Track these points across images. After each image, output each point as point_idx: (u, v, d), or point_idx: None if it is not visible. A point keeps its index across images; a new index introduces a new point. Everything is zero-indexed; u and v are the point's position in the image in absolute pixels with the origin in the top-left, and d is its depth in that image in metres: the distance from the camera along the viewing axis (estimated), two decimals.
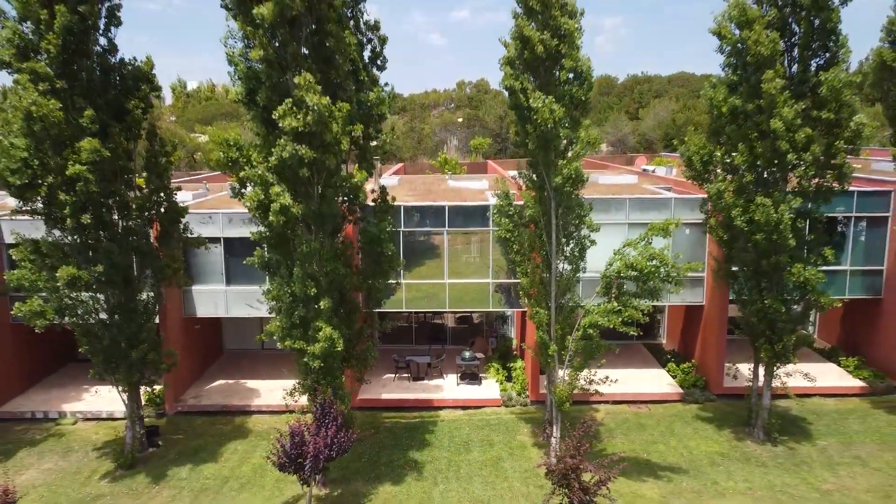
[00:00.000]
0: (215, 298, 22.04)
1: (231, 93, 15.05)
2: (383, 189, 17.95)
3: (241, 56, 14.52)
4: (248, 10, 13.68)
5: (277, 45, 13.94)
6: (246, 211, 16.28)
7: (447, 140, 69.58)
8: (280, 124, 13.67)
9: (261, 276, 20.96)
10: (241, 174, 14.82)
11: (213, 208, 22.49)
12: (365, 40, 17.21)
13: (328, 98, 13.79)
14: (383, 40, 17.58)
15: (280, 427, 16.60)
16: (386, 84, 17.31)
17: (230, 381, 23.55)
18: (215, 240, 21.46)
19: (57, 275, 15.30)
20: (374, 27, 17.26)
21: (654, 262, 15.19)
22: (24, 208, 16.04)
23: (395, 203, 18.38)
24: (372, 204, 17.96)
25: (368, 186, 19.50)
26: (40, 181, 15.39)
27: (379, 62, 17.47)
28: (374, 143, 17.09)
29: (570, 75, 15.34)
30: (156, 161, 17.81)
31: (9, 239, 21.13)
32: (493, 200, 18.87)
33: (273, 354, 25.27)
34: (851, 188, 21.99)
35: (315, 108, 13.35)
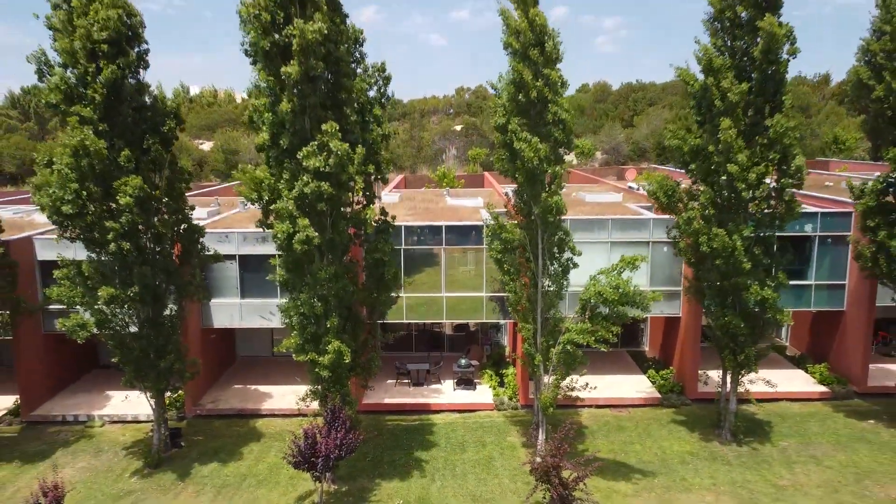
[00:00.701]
0: (231, 310, 23.95)
1: (257, 139, 16.85)
2: (384, 211, 19.80)
3: (266, 106, 16.36)
4: (277, 67, 15.56)
5: (298, 96, 15.78)
6: (258, 230, 18.24)
7: (446, 149, 71.40)
8: (304, 163, 15.56)
9: (272, 290, 22.92)
10: (272, 207, 16.64)
11: (227, 227, 24.46)
12: (371, 81, 19.11)
13: (347, 144, 15.72)
14: (388, 80, 19.51)
15: (292, 429, 18.54)
16: (390, 120, 19.15)
17: (244, 387, 25.47)
18: (231, 256, 23.36)
19: (98, 294, 17.21)
20: (381, 69, 19.17)
21: (621, 290, 16.96)
22: (66, 235, 17.94)
23: (397, 223, 20.32)
24: (375, 224, 19.82)
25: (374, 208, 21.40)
26: (86, 211, 17.28)
27: (383, 101, 19.38)
28: (379, 177, 18.95)
29: (556, 118, 17.14)
30: (176, 187, 19.69)
31: (41, 256, 23.13)
32: (486, 214, 20.57)
33: (282, 361, 27.15)
34: (815, 209, 24.06)
35: (338, 152, 15.25)
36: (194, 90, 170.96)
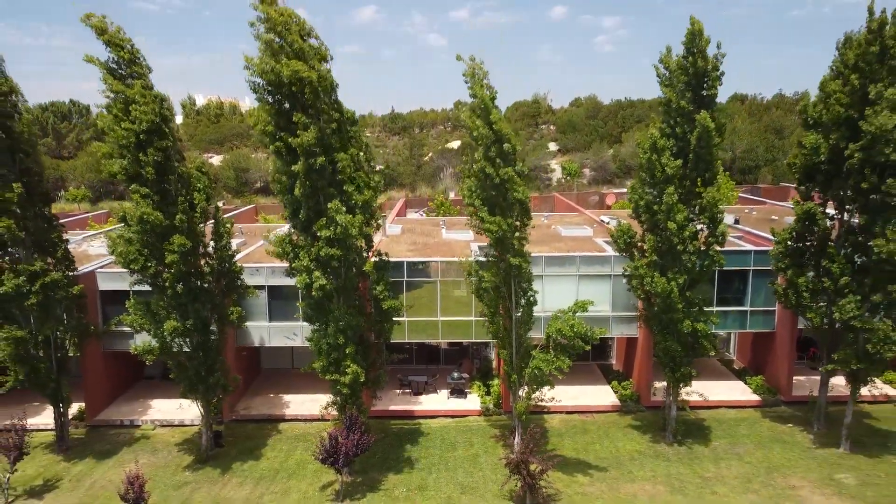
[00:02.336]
0: (260, 332, 28.58)
1: (284, 212, 21.46)
2: (379, 253, 24.21)
3: (285, 188, 20.93)
4: (288, 165, 20.09)
5: (307, 184, 20.26)
6: (283, 264, 22.78)
7: (444, 167, 75.93)
8: (318, 234, 20.16)
9: (294, 315, 27.49)
10: (294, 264, 21.24)
11: (257, 261, 29.07)
12: (363, 151, 23.27)
13: (350, 215, 20.28)
14: (371, 153, 23.78)
15: (312, 432, 23.07)
16: (379, 182, 23.34)
17: (270, 395, 30.06)
18: (261, 287, 27.97)
19: (164, 326, 21.82)
20: (367, 144, 23.45)
21: (575, 329, 21.35)
22: (136, 281, 22.55)
23: (399, 259, 24.84)
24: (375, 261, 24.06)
25: (376, 238, 25.93)
26: (148, 265, 21.84)
27: (372, 164, 23.65)
28: (378, 224, 23.48)
29: (515, 199, 21.28)
30: (220, 234, 24.20)
31: (102, 287, 27.72)
32: (475, 248, 24.69)
33: (300, 373, 31.68)
34: (750, 248, 28.72)
35: (342, 224, 19.84)
36: (199, 99, 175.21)
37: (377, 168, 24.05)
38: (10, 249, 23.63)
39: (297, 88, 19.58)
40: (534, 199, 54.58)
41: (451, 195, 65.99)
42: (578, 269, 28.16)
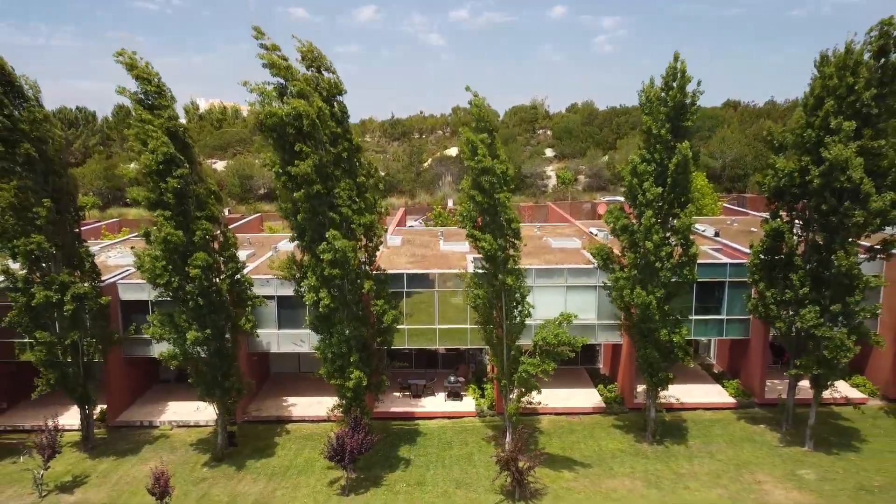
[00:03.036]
0: (270, 338, 30.64)
1: (290, 237, 23.61)
2: (379, 268, 26.34)
3: (289, 212, 23.05)
4: (291, 192, 22.21)
5: (309, 210, 22.39)
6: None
7: (442, 174, 77.96)
8: (321, 256, 22.24)
9: (301, 323, 29.52)
10: (303, 283, 23.35)
11: (266, 273, 31.11)
12: (368, 178, 25.33)
13: (347, 240, 22.32)
14: (380, 178, 25.95)
15: (320, 432, 25.08)
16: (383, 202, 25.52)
17: (279, 398, 32.12)
18: (270, 297, 30.05)
19: (187, 337, 23.90)
20: (374, 168, 25.59)
21: (559, 337, 23.41)
22: (159, 295, 24.62)
23: (400, 270, 26.93)
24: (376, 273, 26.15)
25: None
26: (172, 280, 23.91)
27: (380, 186, 25.81)
28: (379, 243, 25.57)
29: (506, 219, 23.37)
30: (230, 249, 26.23)
31: (123, 297, 29.79)
32: (470, 262, 26.63)
33: (307, 377, 33.78)
34: (726, 260, 30.80)
35: (340, 249, 21.89)
36: (202, 103, 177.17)
37: (380, 186, 26.17)
38: (42, 264, 25.63)
39: (298, 123, 21.69)
40: (528, 208, 56.81)
41: (450, 203, 68.08)
42: (566, 281, 30.24)
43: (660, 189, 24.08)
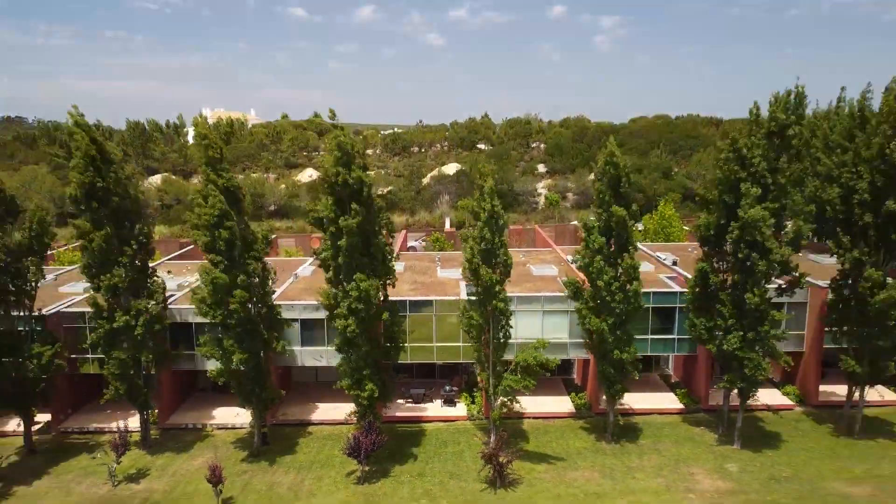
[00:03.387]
0: (294, 354, 36.50)
1: (327, 275, 29.46)
2: (387, 297, 32.23)
3: (329, 257, 28.91)
4: (336, 239, 28.09)
5: (347, 255, 28.31)
6: (312, 301, 30.76)
7: (441, 193, 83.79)
8: (349, 292, 28.12)
9: (321, 341, 35.41)
10: (336, 312, 29.21)
11: (291, 298, 36.96)
12: (385, 229, 31.29)
13: (370, 280, 28.21)
14: (393, 228, 31.89)
15: (338, 434, 30.86)
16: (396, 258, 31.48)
17: (301, 405, 37.99)
18: (295, 319, 35.91)
19: (233, 358, 29.79)
20: (391, 223, 31.54)
21: (536, 360, 29.26)
22: (209, 322, 30.48)
23: (403, 298, 32.87)
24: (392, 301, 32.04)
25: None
26: (218, 312, 29.77)
27: (391, 236, 31.75)
28: (390, 281, 31.46)
29: (503, 259, 29.27)
30: (267, 284, 32.08)
31: (172, 320, 35.59)
32: (464, 284, 32.23)
33: (323, 386, 39.57)
34: (676, 289, 36.68)
35: (365, 289, 27.81)
36: (206, 112, 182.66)
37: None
38: (121, 295, 31.39)
39: (358, 187, 27.81)
40: (517, 231, 62.62)
41: (447, 221, 73.97)
42: (543, 307, 36.17)
43: (603, 239, 30.00)
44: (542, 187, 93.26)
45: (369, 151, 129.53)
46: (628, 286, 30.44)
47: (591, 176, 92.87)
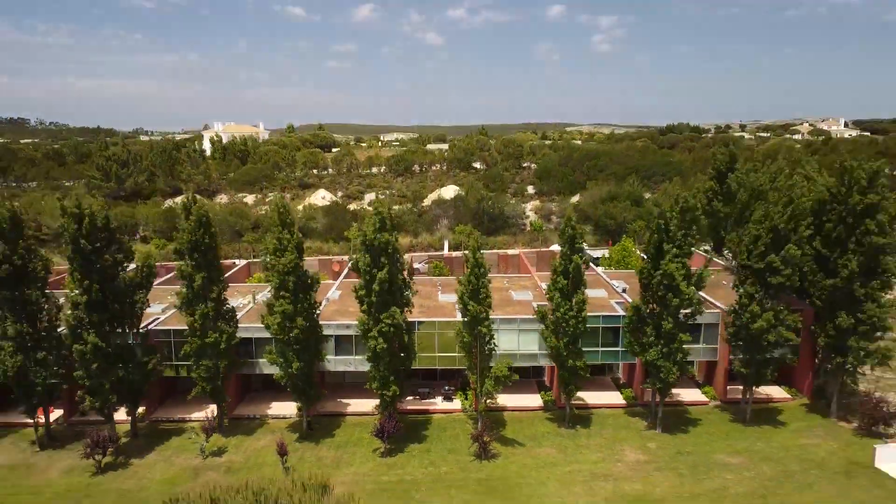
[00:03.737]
0: (329, 362, 47.93)
1: (361, 307, 40.96)
2: (405, 317, 43.69)
3: (364, 295, 40.40)
4: (370, 284, 39.62)
5: (379, 293, 39.80)
6: (343, 321, 42.32)
7: (440, 218, 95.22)
8: (383, 320, 39.58)
9: (350, 351, 46.83)
10: (369, 335, 40.66)
11: (328, 319, 48.40)
12: (409, 277, 42.76)
13: (399, 310, 39.70)
14: (412, 271, 43.42)
15: (365, 422, 42.42)
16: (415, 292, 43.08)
17: (335, 400, 49.42)
18: (330, 336, 47.35)
19: (293, 366, 41.25)
20: (411, 267, 43.06)
21: (503, 373, 40.74)
22: (274, 338, 41.92)
23: (412, 319, 44.37)
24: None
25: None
26: (281, 334, 41.18)
27: (410, 276, 43.24)
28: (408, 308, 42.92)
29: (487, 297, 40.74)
30: (315, 311, 43.48)
31: (238, 335, 47.00)
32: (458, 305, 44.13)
33: (350, 386, 50.93)
34: (620, 314, 48.25)
35: (397, 318, 39.32)
36: (217, 126, 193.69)
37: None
38: (209, 320, 42.76)
39: (386, 247, 39.32)
40: (504, 258, 74.04)
41: (446, 243, 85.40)
42: (519, 326, 47.68)
43: (566, 282, 41.53)
44: (530, 209, 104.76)
45: (374, 170, 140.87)
46: (579, 315, 41.98)
47: (574, 200, 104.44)
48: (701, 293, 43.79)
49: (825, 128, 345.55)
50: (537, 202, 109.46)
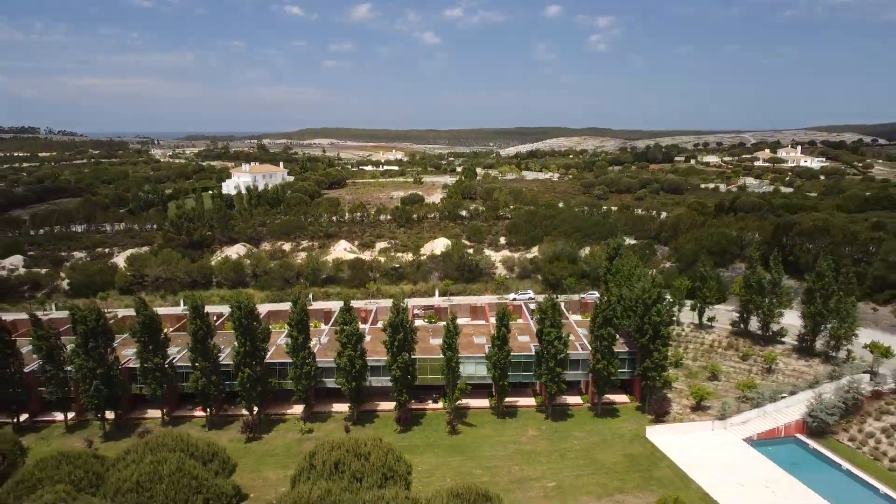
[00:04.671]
0: (368, 381, 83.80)
1: (387, 353, 77.02)
2: (410, 356, 79.33)
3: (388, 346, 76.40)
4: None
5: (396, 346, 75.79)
6: (378, 357, 78.31)
7: (432, 271, 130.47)
8: (398, 360, 75.53)
9: (380, 375, 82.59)
10: (391, 368, 76.58)
11: (371, 355, 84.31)
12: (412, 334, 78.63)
13: (408, 355, 75.72)
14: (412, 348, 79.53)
15: (390, 415, 78.22)
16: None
17: (373, 402, 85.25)
18: (368, 366, 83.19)
19: (351, 383, 77.17)
20: (414, 331, 79.04)
21: (461, 388, 76.46)
22: (337, 367, 77.86)
23: (414, 356, 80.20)
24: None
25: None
26: (347, 367, 77.07)
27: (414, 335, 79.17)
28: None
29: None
30: (363, 353, 79.19)
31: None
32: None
33: (380, 393, 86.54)
34: (534, 353, 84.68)
35: (408, 361, 75.32)
36: (247, 168, 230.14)
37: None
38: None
39: (403, 330, 75.52)
40: (474, 308, 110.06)
41: (437, 292, 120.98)
42: (475, 362, 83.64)
43: (499, 340, 77.43)
44: (499, 259, 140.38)
45: (382, 217, 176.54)
46: (506, 357, 77.85)
47: (530, 254, 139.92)
48: (580, 341, 79.73)
49: (784, 154, 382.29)
50: (507, 252, 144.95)
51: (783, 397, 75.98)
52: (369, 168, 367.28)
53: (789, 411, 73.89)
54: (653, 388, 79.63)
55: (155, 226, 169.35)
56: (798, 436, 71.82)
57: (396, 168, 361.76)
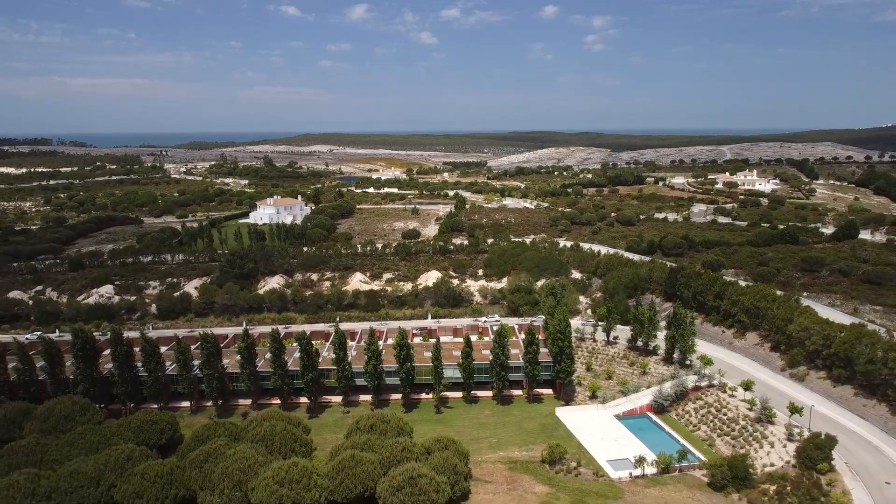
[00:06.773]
0: (384, 380, 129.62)
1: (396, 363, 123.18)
2: (411, 365, 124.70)
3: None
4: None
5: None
6: (390, 366, 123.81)
7: (426, 299, 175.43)
8: (404, 368, 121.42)
9: (392, 376, 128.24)
10: (398, 372, 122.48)
11: (386, 363, 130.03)
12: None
13: (410, 365, 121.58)
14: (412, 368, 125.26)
15: (398, 402, 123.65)
16: None
17: (388, 394, 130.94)
18: (385, 373, 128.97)
19: (377, 382, 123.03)
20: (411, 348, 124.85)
21: (443, 385, 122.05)
22: (365, 373, 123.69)
23: (414, 364, 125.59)
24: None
25: None
26: (372, 371, 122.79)
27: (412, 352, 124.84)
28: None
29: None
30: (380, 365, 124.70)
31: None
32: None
33: (392, 388, 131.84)
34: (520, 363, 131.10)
35: (409, 368, 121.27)
36: (271, 201, 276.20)
37: (407, 341, 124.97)
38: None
39: (405, 346, 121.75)
40: (454, 329, 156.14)
41: (430, 315, 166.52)
42: (454, 369, 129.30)
43: (466, 356, 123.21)
44: (476, 289, 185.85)
45: (387, 251, 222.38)
46: (470, 366, 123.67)
47: (503, 283, 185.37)
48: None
49: (741, 178, 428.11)
50: (483, 282, 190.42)
51: (643, 389, 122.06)
52: (371, 190, 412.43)
53: (644, 398, 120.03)
54: (564, 385, 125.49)
55: (207, 258, 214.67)
56: (648, 413, 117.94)
57: (396, 190, 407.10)
